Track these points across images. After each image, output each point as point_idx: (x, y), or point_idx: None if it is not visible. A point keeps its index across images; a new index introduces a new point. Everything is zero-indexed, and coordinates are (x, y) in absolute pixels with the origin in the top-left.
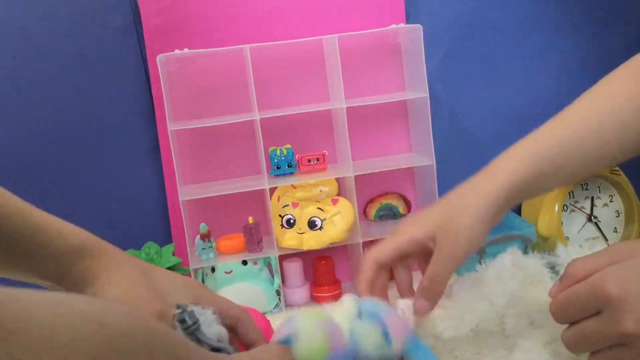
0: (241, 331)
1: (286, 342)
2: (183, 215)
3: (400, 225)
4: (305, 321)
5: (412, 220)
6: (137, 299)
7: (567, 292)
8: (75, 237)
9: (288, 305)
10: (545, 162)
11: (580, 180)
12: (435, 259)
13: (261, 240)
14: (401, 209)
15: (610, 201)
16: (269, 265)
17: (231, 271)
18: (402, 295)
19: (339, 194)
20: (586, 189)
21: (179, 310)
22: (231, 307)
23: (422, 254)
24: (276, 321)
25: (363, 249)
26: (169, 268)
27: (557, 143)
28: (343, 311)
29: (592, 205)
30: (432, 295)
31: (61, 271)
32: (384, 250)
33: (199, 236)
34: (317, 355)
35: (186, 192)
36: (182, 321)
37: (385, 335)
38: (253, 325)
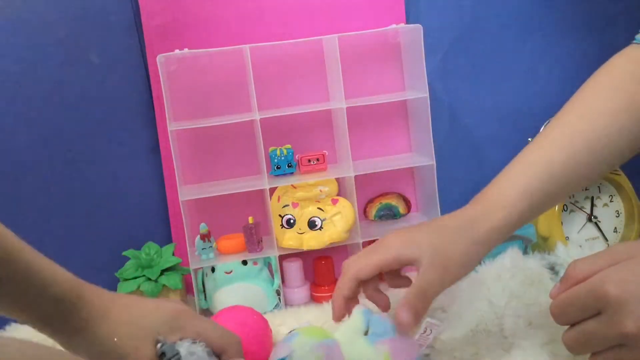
0: None
1: None
2: (183, 215)
3: (384, 240)
4: (300, 342)
5: (401, 237)
6: (118, 352)
7: (567, 293)
8: (57, 287)
9: (288, 305)
10: (539, 194)
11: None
12: (425, 279)
13: (261, 240)
14: (401, 208)
15: (610, 201)
16: (269, 265)
17: (231, 271)
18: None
19: (339, 194)
20: (586, 189)
21: (158, 345)
22: (217, 337)
23: (396, 270)
24: (276, 321)
25: (363, 249)
26: (169, 268)
27: (548, 175)
28: (349, 327)
29: (592, 205)
30: (417, 313)
31: (46, 316)
32: (366, 265)
33: (199, 236)
34: None
35: (186, 192)
36: (162, 355)
37: None
38: (239, 355)
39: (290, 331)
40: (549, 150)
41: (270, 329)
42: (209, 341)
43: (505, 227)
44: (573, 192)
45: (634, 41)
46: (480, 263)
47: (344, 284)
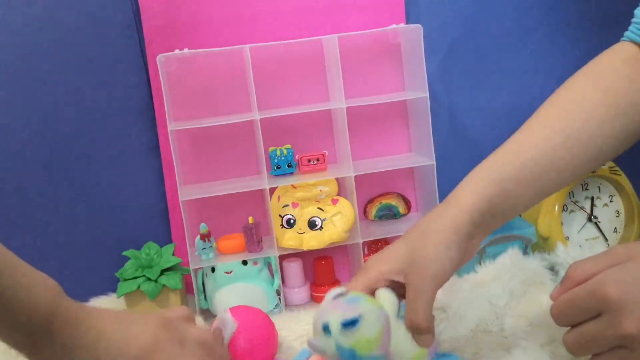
0: None
1: (351, 323)
2: (183, 215)
3: (369, 260)
4: (368, 308)
5: (380, 256)
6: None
7: (567, 295)
8: (36, 308)
9: (288, 305)
10: (510, 183)
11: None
12: (408, 295)
13: (261, 240)
14: (401, 208)
15: (610, 201)
16: (268, 265)
17: (231, 271)
18: None
19: (339, 194)
20: (586, 189)
21: None
22: None
23: (396, 286)
24: (276, 321)
25: (363, 249)
26: (169, 268)
27: (520, 163)
28: (389, 306)
29: (592, 205)
30: (421, 329)
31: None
32: (353, 288)
33: (199, 236)
34: (373, 343)
35: (186, 192)
36: None
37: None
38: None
39: (339, 292)
40: (524, 143)
41: (276, 330)
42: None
43: (475, 212)
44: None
45: (623, 38)
46: (471, 256)
47: None
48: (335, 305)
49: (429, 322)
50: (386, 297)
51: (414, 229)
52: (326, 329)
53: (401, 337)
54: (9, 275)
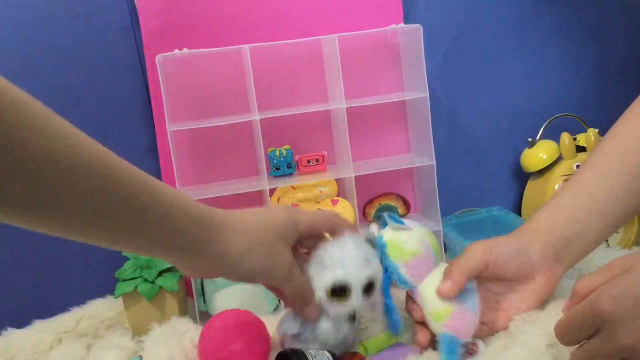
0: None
1: (396, 221)
2: None
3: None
4: (420, 231)
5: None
6: (266, 262)
7: (566, 315)
8: (196, 208)
9: (288, 306)
10: (579, 215)
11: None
12: (470, 256)
13: None
14: (400, 209)
15: None
16: None
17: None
18: None
19: (338, 195)
20: None
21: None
22: (327, 221)
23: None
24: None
25: None
26: (168, 269)
27: (587, 195)
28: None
29: None
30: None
31: (189, 245)
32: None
33: None
34: (405, 255)
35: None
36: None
37: None
38: (348, 224)
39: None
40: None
41: (269, 333)
42: (320, 227)
43: (550, 238)
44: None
45: None
46: (552, 287)
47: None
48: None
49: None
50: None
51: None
52: (383, 218)
53: (434, 287)
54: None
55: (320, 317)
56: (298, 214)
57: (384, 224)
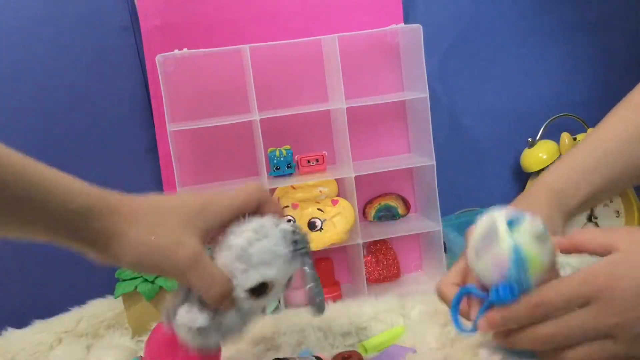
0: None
1: (517, 220)
2: None
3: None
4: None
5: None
6: (159, 251)
7: (556, 282)
8: (84, 198)
9: (288, 306)
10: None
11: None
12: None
13: None
14: (400, 209)
15: (610, 201)
16: None
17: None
18: None
19: (338, 195)
20: None
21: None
22: (245, 201)
23: None
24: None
25: (363, 250)
26: None
27: (601, 152)
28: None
29: None
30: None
31: (73, 229)
32: (456, 271)
33: None
34: (539, 246)
35: None
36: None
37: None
38: (273, 202)
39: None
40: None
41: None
42: (241, 210)
43: (560, 193)
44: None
45: None
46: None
47: (446, 295)
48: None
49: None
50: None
51: (519, 198)
52: (493, 228)
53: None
54: (44, 168)
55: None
56: (220, 199)
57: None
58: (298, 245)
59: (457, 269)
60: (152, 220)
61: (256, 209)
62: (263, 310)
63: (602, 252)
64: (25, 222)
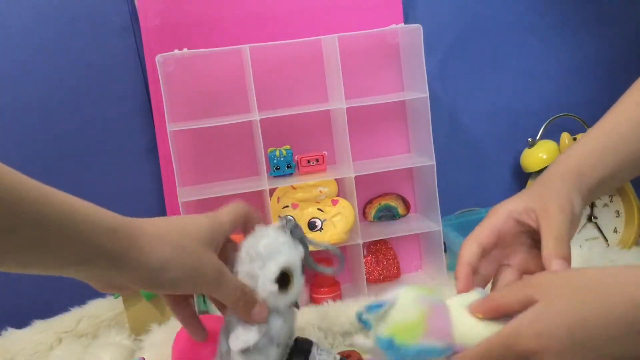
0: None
1: (377, 307)
2: None
3: (497, 205)
4: (407, 292)
5: (507, 200)
6: (188, 268)
7: (480, 348)
8: (110, 219)
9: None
10: (607, 155)
11: None
12: (542, 230)
13: None
14: (400, 209)
15: (610, 201)
16: None
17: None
18: None
19: (338, 195)
20: None
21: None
22: (238, 219)
23: (517, 236)
24: None
25: (363, 250)
26: None
27: (616, 134)
28: (465, 299)
29: (592, 205)
30: (565, 253)
31: (101, 249)
32: (481, 230)
33: None
34: (412, 329)
35: (185, 193)
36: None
37: None
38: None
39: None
40: (619, 116)
41: None
42: (239, 224)
43: (582, 176)
44: None
45: None
46: (578, 221)
47: (464, 250)
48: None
49: (569, 254)
50: (472, 295)
51: (534, 183)
52: (360, 317)
53: (472, 327)
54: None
55: (269, 315)
56: (220, 217)
57: (366, 324)
58: (294, 230)
59: (489, 226)
60: (175, 240)
61: (245, 223)
62: (297, 306)
63: (523, 308)
64: (54, 253)
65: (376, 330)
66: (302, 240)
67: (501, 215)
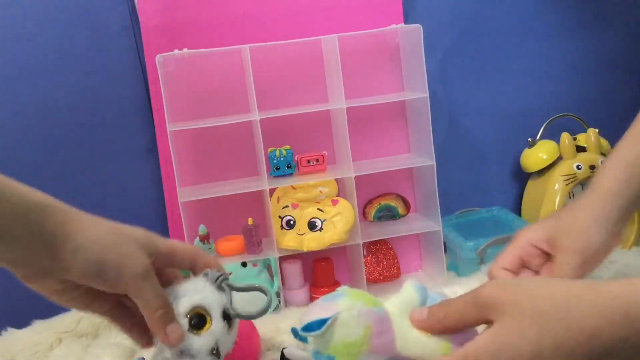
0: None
1: (317, 326)
2: (182, 217)
3: (519, 231)
4: (348, 304)
5: (529, 226)
6: (113, 260)
7: None
8: (41, 195)
9: (287, 306)
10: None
11: None
12: (555, 262)
13: (261, 242)
14: (400, 209)
15: None
16: (268, 267)
17: (230, 273)
18: None
19: (338, 195)
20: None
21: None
22: (185, 250)
23: (539, 260)
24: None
25: (363, 250)
26: None
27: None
28: (402, 300)
29: None
30: None
31: (27, 224)
32: (504, 257)
33: (198, 238)
34: (355, 347)
35: (185, 193)
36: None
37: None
38: (210, 259)
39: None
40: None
41: (258, 334)
42: (180, 256)
43: (616, 195)
44: None
45: None
46: (617, 241)
47: (493, 276)
48: (312, 307)
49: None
50: (406, 292)
51: (562, 209)
52: (295, 334)
53: (417, 339)
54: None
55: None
56: (157, 237)
57: (302, 338)
58: (217, 280)
59: (512, 253)
60: (109, 227)
61: (193, 264)
62: (218, 357)
63: (475, 325)
64: None
65: (315, 346)
66: (225, 288)
67: (522, 243)
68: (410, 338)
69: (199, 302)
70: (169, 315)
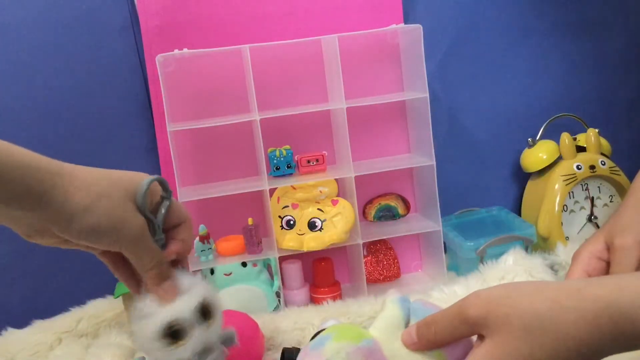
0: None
1: None
2: None
3: (578, 248)
4: (334, 348)
5: (587, 241)
6: (111, 219)
7: None
8: (36, 157)
9: (287, 306)
10: None
11: None
12: (616, 256)
13: (261, 242)
14: (400, 209)
15: (610, 201)
16: (268, 267)
17: (230, 273)
18: None
19: (338, 195)
20: (586, 189)
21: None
22: (177, 210)
23: (605, 273)
24: (276, 323)
25: (363, 250)
26: None
27: None
28: (386, 320)
29: (592, 205)
30: None
31: (24, 183)
32: (572, 276)
33: (197, 238)
34: None
35: (185, 193)
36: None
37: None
38: (189, 234)
39: (318, 332)
40: None
41: (262, 333)
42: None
43: None
44: None
45: None
46: None
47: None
48: (301, 357)
49: None
50: (389, 309)
51: (612, 214)
52: None
53: (409, 355)
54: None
55: None
56: (146, 178)
57: None
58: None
59: (577, 271)
60: (104, 188)
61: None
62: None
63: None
64: None
65: None
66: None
67: (585, 257)
68: (406, 359)
69: (172, 318)
70: (163, 274)
